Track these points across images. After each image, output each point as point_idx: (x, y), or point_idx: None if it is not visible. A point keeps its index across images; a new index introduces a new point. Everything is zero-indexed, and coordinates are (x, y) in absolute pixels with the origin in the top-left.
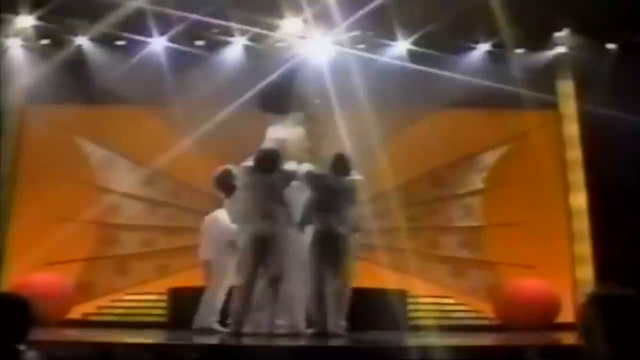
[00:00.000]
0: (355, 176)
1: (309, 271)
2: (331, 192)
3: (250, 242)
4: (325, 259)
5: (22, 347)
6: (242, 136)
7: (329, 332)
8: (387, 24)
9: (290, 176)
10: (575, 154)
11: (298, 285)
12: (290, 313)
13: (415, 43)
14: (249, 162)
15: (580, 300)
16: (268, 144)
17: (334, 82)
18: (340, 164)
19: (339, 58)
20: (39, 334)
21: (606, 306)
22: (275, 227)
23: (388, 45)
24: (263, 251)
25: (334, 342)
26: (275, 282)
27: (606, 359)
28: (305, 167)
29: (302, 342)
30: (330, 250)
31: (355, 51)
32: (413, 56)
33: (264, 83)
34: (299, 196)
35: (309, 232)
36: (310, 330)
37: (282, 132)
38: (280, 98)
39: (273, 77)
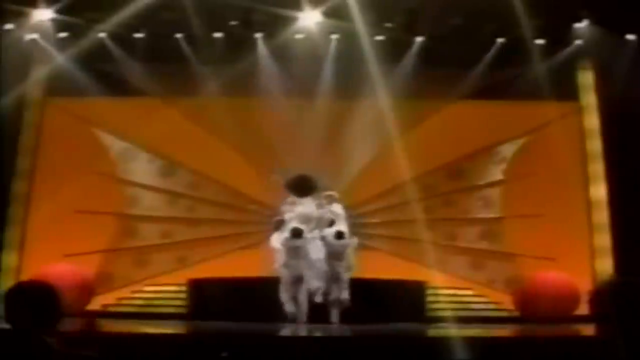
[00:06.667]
0: None
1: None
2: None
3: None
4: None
5: (49, 339)
6: (258, 126)
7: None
8: (407, 16)
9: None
10: (595, 145)
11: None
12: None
13: (435, 35)
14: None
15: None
16: (296, 216)
17: (353, 73)
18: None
19: (357, 50)
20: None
21: (618, 294)
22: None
23: (407, 37)
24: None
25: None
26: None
27: (621, 346)
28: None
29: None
30: None
31: (373, 43)
32: (432, 48)
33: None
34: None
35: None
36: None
37: (305, 209)
38: (304, 187)
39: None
